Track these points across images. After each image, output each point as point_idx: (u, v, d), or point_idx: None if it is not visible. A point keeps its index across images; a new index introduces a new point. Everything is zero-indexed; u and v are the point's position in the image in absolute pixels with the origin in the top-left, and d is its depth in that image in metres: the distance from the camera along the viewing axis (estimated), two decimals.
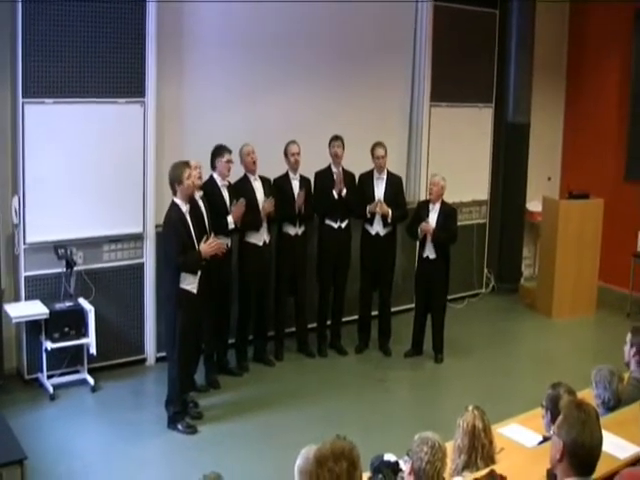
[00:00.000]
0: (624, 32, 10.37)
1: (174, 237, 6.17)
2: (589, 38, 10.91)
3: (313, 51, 8.46)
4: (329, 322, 8.28)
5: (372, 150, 7.96)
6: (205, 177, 7.07)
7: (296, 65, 8.34)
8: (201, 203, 6.73)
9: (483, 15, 9.92)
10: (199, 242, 6.25)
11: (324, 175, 7.94)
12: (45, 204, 6.92)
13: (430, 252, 7.84)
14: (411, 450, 3.57)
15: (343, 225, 7.98)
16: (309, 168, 7.86)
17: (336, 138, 7.88)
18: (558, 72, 11.23)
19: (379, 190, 7.96)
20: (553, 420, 3.99)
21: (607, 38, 10.65)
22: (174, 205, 6.21)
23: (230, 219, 7.10)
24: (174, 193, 6.22)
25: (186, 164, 6.27)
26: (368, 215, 7.92)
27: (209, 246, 6.25)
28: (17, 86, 6.71)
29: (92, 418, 6.63)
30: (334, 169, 7.88)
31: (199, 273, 6.26)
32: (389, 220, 7.90)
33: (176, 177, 6.16)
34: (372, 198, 7.91)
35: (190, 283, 6.21)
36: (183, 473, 5.63)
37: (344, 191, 7.82)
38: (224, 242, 6.92)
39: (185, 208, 6.20)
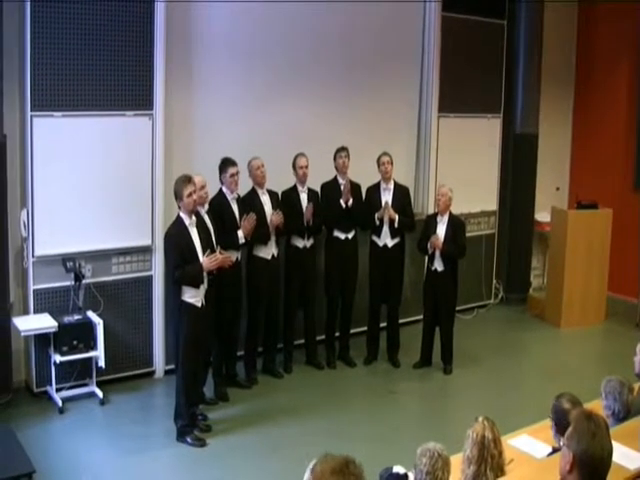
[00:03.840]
0: (633, 41, 10.37)
1: (171, 250, 6.20)
2: (598, 48, 10.91)
3: (321, 63, 8.47)
4: (337, 334, 8.27)
5: (378, 160, 7.96)
6: (215, 191, 7.07)
7: (304, 77, 8.35)
8: (207, 218, 6.71)
9: (491, 26, 9.92)
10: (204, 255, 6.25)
11: (330, 186, 7.93)
12: (54, 217, 6.93)
13: (438, 264, 7.82)
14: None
15: (350, 236, 7.97)
16: (316, 180, 7.85)
17: (342, 149, 7.87)
18: (566, 82, 11.24)
19: (386, 200, 7.94)
20: (558, 431, 3.99)
21: (616, 47, 10.65)
22: (178, 218, 6.24)
23: (240, 234, 7.09)
24: (179, 207, 6.24)
25: (188, 180, 6.21)
26: (377, 222, 7.90)
27: (210, 260, 6.22)
28: (25, 99, 6.73)
29: (101, 431, 6.61)
30: (340, 180, 7.87)
31: (202, 287, 6.24)
32: (396, 225, 7.88)
33: (177, 193, 6.18)
34: (379, 209, 7.90)
35: (193, 296, 6.18)
36: None
37: (350, 201, 7.82)
38: (233, 256, 6.92)
39: (188, 221, 6.19)
